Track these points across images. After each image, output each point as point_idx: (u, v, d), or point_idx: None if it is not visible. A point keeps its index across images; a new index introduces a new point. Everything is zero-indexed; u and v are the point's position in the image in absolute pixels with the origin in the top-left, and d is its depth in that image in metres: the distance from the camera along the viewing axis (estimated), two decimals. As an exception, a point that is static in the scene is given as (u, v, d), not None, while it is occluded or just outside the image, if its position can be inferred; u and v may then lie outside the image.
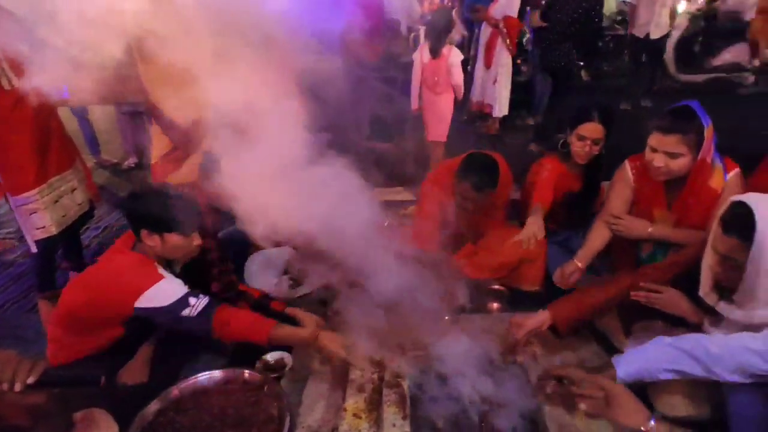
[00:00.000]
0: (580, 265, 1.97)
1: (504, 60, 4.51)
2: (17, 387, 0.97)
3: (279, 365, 1.91)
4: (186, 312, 1.58)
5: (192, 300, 1.61)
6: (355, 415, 1.56)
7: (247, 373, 1.78)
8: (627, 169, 1.95)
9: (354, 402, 1.61)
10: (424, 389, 1.67)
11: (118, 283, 1.60)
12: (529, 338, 1.71)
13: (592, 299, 1.68)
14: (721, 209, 1.38)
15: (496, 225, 2.39)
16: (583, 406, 1.28)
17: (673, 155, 1.69)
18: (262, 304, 1.95)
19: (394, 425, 1.47)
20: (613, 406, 1.20)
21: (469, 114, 5.19)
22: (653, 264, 1.74)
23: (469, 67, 5.11)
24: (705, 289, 1.49)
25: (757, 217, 1.27)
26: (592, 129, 2.05)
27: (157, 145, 2.22)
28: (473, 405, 1.57)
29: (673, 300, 1.60)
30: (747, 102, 5.61)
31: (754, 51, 5.22)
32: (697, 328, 1.57)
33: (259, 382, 1.74)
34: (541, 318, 1.68)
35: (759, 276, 1.30)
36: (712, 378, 1.30)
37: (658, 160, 1.72)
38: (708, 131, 1.66)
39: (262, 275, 2.33)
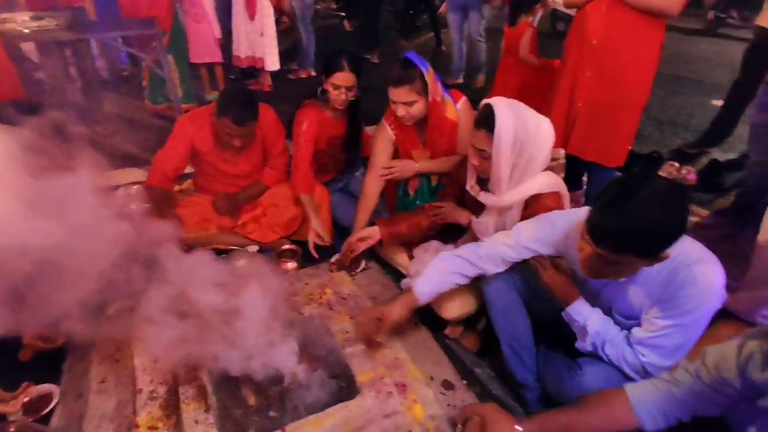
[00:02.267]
0: (357, 231, 2.07)
1: (267, 10, 4.30)
2: None
3: (44, 403, 1.55)
4: None
5: None
6: (150, 427, 1.38)
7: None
8: (386, 126, 2.10)
9: (147, 413, 1.42)
10: (228, 371, 1.55)
11: None
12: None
13: (411, 220, 1.95)
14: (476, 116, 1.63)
15: (279, 178, 2.33)
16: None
17: (408, 103, 1.89)
18: None
19: (196, 422, 1.35)
20: (487, 425, 1.26)
21: (236, 72, 4.88)
22: (441, 193, 2.02)
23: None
24: (470, 183, 1.77)
25: (496, 112, 1.54)
26: (344, 77, 2.10)
27: None
28: (284, 369, 1.53)
29: (449, 210, 1.89)
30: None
31: None
32: (463, 233, 1.92)
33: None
34: (371, 228, 1.98)
35: (500, 159, 1.56)
36: (484, 273, 1.54)
37: (400, 110, 1.91)
38: (428, 75, 1.87)
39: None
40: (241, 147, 2.12)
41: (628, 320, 1.35)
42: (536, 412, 1.49)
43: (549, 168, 1.69)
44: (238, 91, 2.14)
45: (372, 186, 2.13)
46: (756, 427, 0.99)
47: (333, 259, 2.14)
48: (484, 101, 1.62)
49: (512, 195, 1.65)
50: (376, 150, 2.13)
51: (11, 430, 1.39)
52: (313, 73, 5.04)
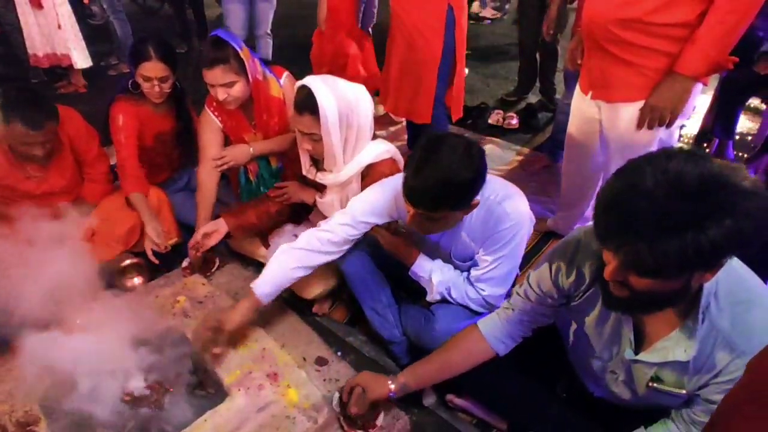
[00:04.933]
0: (200, 227, 1.91)
1: (57, -1, 3.70)
2: None
3: None
4: None
5: None
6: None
7: None
8: (209, 114, 1.96)
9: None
10: (75, 416, 1.38)
11: None
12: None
13: (260, 208, 1.86)
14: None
15: (103, 191, 2.06)
16: (354, 410, 1.34)
17: (227, 85, 1.77)
18: None
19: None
20: (366, 391, 1.32)
21: (38, 74, 4.17)
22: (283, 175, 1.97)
23: None
24: (306, 168, 1.75)
25: (316, 92, 1.51)
26: (153, 68, 1.90)
27: None
28: (140, 396, 1.40)
29: (293, 189, 1.86)
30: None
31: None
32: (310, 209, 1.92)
33: None
34: (216, 221, 1.83)
35: (331, 137, 1.55)
36: (333, 257, 1.54)
37: (221, 93, 1.78)
38: (243, 52, 1.78)
39: None
40: (44, 156, 1.80)
41: (465, 263, 1.48)
42: (408, 363, 1.59)
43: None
44: (21, 90, 1.77)
45: (207, 178, 1.99)
46: (575, 322, 1.17)
47: (184, 263, 1.99)
48: (299, 83, 1.58)
49: (349, 169, 1.66)
50: (203, 141, 1.99)
51: None
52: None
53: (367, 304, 1.60)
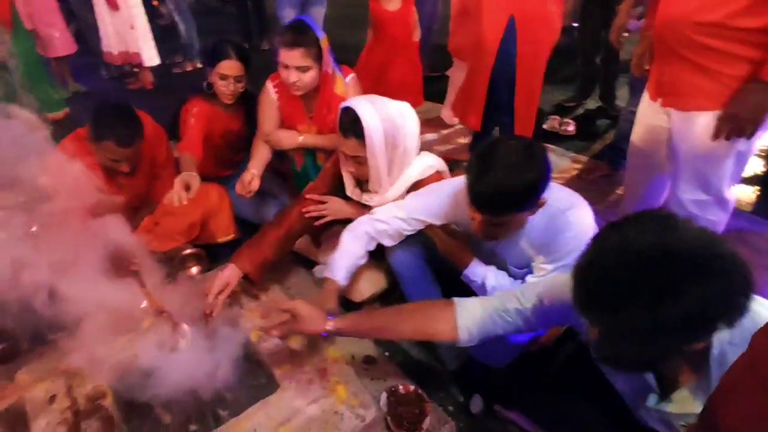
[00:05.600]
0: (255, 171, 2.02)
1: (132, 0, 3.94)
2: None
3: None
4: None
5: None
6: (51, 473, 1.27)
7: None
8: (270, 89, 2.00)
9: (46, 459, 1.29)
10: (138, 392, 1.46)
11: None
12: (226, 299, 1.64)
13: (273, 236, 1.72)
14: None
15: (166, 187, 2.17)
16: (275, 332, 1.33)
17: (301, 68, 1.80)
18: None
19: (105, 454, 1.25)
20: (298, 321, 1.29)
21: (111, 70, 4.46)
22: (311, 185, 1.87)
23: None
24: (350, 189, 1.73)
25: (361, 115, 1.50)
26: (231, 66, 1.99)
27: None
28: (199, 383, 1.46)
29: (336, 205, 1.78)
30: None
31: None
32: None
33: None
34: (227, 275, 1.62)
35: (377, 160, 1.56)
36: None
37: (292, 76, 1.81)
38: (323, 42, 1.82)
39: None
40: (130, 171, 1.86)
41: (521, 270, 1.45)
42: (454, 368, 1.58)
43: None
44: (113, 108, 1.81)
45: (258, 149, 2.08)
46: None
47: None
48: (344, 104, 1.57)
49: (395, 190, 1.66)
50: (261, 115, 2.03)
51: None
52: (200, 65, 4.73)
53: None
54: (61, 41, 3.88)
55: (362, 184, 1.71)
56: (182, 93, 2.23)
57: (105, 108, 1.82)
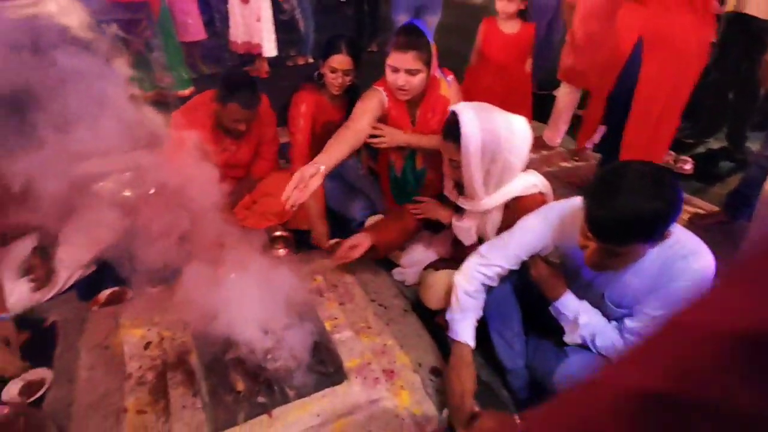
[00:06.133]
0: (323, 167, 1.74)
1: (262, -8, 4.25)
2: None
3: (37, 385, 1.57)
4: None
5: None
6: (139, 411, 1.39)
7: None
8: (380, 90, 1.96)
9: (136, 398, 1.42)
10: (218, 355, 1.56)
11: None
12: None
13: (399, 224, 1.90)
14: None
15: (270, 168, 2.32)
16: None
17: (411, 72, 1.81)
18: None
19: (184, 407, 1.35)
20: None
21: (234, 58, 4.83)
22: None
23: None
24: (448, 189, 1.75)
25: (462, 122, 1.49)
26: (341, 60, 2.08)
27: None
28: (266, 355, 1.53)
29: (431, 207, 1.88)
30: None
31: None
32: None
33: (10, 414, 1.41)
34: (360, 237, 1.86)
35: (471, 168, 1.53)
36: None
37: (401, 79, 1.81)
38: (433, 47, 1.83)
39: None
40: (244, 131, 2.12)
41: (619, 308, 1.34)
42: (522, 397, 1.50)
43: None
44: (241, 74, 2.17)
45: (344, 137, 1.81)
46: None
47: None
48: (452, 108, 1.58)
49: (491, 200, 1.62)
50: (361, 107, 1.90)
51: (5, 411, 1.41)
52: (311, 60, 4.99)
53: (494, 326, 1.54)
54: (194, 27, 4.28)
55: (459, 188, 1.71)
56: (291, 85, 2.36)
57: (233, 76, 2.14)
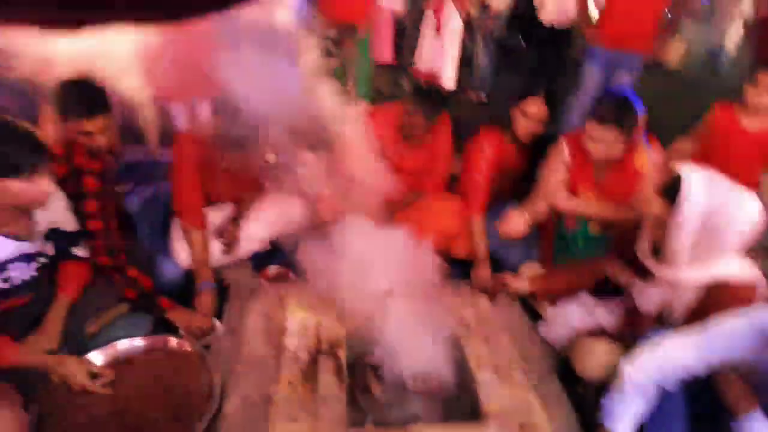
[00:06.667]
0: (527, 216, 2.03)
1: (455, 27, 4.46)
2: None
3: (208, 331, 1.81)
4: None
5: None
6: (290, 383, 1.52)
7: (173, 340, 1.67)
8: (563, 146, 1.99)
9: (289, 371, 1.56)
10: (363, 358, 1.64)
11: None
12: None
13: (565, 277, 1.86)
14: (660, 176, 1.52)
15: (436, 189, 2.40)
16: None
17: (611, 145, 1.76)
18: (149, 297, 1.82)
19: (330, 395, 1.45)
20: None
21: (410, 82, 5.12)
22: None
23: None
24: (641, 247, 1.59)
25: (686, 182, 1.37)
26: (538, 106, 2.08)
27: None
28: (412, 374, 1.57)
29: (613, 265, 1.74)
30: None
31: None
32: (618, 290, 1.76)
33: (186, 351, 1.65)
34: (520, 282, 1.88)
35: (680, 236, 1.39)
36: None
37: (598, 151, 1.78)
38: (642, 118, 1.74)
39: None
40: (421, 139, 2.23)
41: None
42: None
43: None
44: (432, 89, 2.33)
45: (536, 202, 2.04)
46: None
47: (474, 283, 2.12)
48: (674, 166, 1.46)
49: (693, 273, 1.44)
50: (548, 168, 2.03)
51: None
52: (483, 99, 5.07)
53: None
54: (385, 51, 4.67)
55: (655, 251, 1.57)
56: (459, 119, 2.46)
57: (425, 88, 2.33)
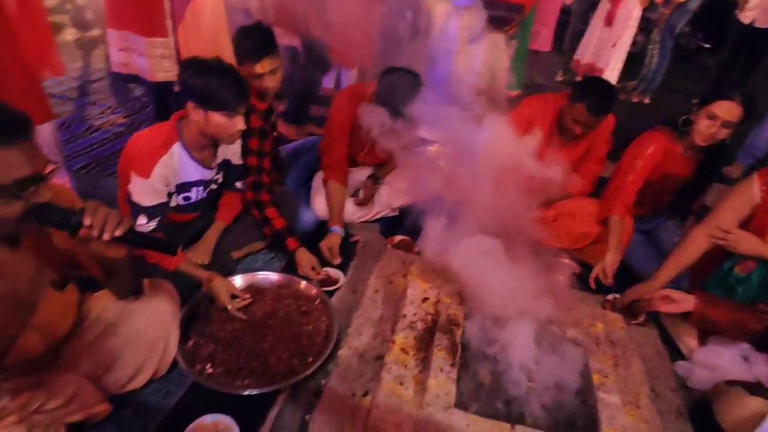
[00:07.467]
0: (657, 284, 1.79)
1: (630, 21, 4.03)
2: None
3: (332, 281, 1.91)
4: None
5: (141, 219, 1.59)
6: (402, 350, 1.54)
7: (302, 283, 1.79)
8: (755, 184, 1.71)
9: (403, 337, 1.58)
10: (476, 343, 1.60)
11: (125, 162, 1.61)
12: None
13: (742, 318, 1.60)
14: None
15: (583, 192, 2.25)
16: None
17: None
18: (280, 236, 1.94)
19: (441, 370, 1.43)
20: None
21: (567, 75, 4.78)
22: None
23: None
24: None
25: None
26: (729, 109, 1.78)
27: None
28: (522, 371, 1.50)
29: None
30: None
31: None
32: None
33: (311, 294, 1.76)
34: (684, 297, 1.67)
35: None
36: None
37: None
38: None
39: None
40: (579, 135, 2.08)
41: None
42: None
43: None
44: (600, 80, 2.14)
45: (698, 241, 1.77)
46: None
47: (610, 296, 1.94)
48: None
49: None
50: (726, 204, 1.77)
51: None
52: (647, 101, 4.55)
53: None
54: (545, 38, 4.39)
55: None
56: (616, 119, 2.20)
57: (594, 79, 2.20)
